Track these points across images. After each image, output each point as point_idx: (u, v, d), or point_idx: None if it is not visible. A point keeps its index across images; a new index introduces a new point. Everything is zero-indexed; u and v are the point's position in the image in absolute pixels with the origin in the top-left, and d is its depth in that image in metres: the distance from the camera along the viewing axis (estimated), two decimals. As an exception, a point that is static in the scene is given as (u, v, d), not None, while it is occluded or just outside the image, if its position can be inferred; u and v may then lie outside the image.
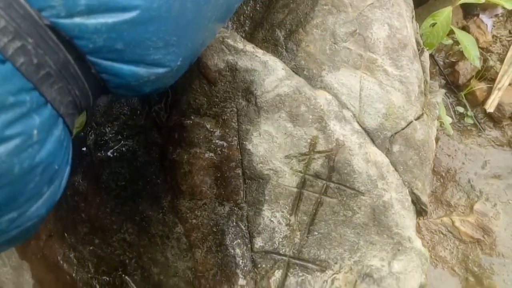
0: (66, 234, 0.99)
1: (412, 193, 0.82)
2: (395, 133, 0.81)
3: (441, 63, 1.50)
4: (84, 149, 0.93)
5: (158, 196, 0.88)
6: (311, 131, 0.77)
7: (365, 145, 0.78)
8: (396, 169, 0.81)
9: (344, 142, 0.77)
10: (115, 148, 0.91)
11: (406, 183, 0.81)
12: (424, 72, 0.99)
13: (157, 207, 0.88)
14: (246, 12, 0.92)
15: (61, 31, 0.40)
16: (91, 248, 0.97)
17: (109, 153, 0.91)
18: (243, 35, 0.92)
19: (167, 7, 0.44)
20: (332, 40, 0.81)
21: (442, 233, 1.28)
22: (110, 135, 0.92)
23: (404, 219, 0.80)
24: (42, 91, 0.41)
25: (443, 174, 1.36)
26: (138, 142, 0.90)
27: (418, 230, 1.29)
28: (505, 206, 1.30)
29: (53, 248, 1.00)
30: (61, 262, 1.00)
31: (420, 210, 0.85)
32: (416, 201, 0.83)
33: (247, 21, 0.92)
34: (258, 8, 0.92)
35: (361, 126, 0.80)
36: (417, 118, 0.83)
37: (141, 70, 0.47)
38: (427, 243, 1.28)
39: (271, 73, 0.77)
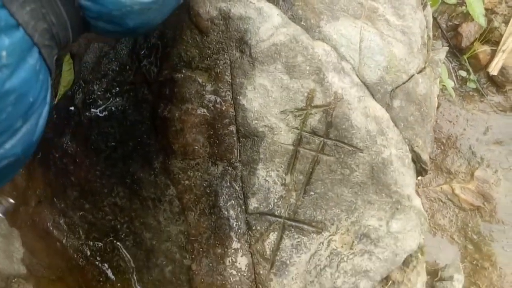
0: (55, 199, 0.95)
1: (412, 150, 0.78)
2: (396, 87, 0.77)
3: (444, 26, 1.46)
4: (72, 108, 0.89)
5: (149, 157, 0.84)
6: (309, 83, 0.73)
7: (365, 99, 0.74)
8: (396, 125, 0.77)
9: (342, 95, 0.73)
10: (104, 106, 0.87)
11: (406, 140, 0.78)
12: (427, 27, 0.95)
13: (148, 169, 0.84)
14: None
15: None
16: (81, 213, 0.93)
17: (98, 112, 0.87)
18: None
19: None
20: (331, -11, 0.77)
21: (442, 201, 1.26)
22: (99, 93, 0.87)
23: (404, 176, 0.76)
24: (12, 10, 0.36)
25: (444, 141, 1.33)
26: (128, 99, 0.85)
27: (418, 196, 1.26)
28: (506, 172, 1.27)
29: (42, 215, 0.96)
30: (51, 229, 0.96)
31: (420, 170, 0.81)
32: (416, 160, 0.80)
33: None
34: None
35: (360, 79, 0.76)
36: (420, 72, 0.79)
37: (123, -4, 0.43)
38: (426, 211, 1.25)
39: (266, 20, 0.72)
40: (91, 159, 0.89)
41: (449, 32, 1.45)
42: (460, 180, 1.28)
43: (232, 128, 0.76)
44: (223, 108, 0.76)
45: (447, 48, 0.98)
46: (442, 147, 1.33)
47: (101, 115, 0.87)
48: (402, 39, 0.77)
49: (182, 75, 0.77)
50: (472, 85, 1.36)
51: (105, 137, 0.87)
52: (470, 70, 1.38)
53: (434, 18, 1.44)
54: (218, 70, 0.75)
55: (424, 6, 0.97)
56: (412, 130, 0.78)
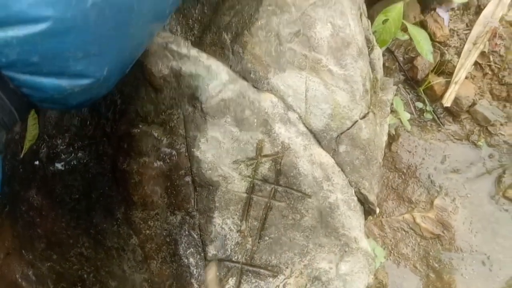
0: (23, 251, 0.97)
1: (359, 192, 0.83)
2: (341, 133, 0.82)
3: (401, 58, 1.52)
4: (37, 162, 0.92)
5: (111, 208, 0.87)
6: (257, 135, 0.77)
7: (310, 147, 0.79)
8: (343, 170, 0.82)
9: (289, 145, 0.78)
10: (67, 160, 0.90)
11: (353, 183, 0.82)
12: (374, 69, 1.01)
13: (111, 219, 0.87)
14: (195, 15, 0.92)
15: (-32, 47, 0.39)
16: (49, 264, 0.95)
17: (61, 166, 0.90)
18: (192, 39, 0.92)
19: (83, 16, 0.44)
20: (277, 42, 0.82)
21: (404, 230, 1.30)
22: (62, 147, 0.91)
23: (350, 219, 0.80)
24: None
25: (404, 171, 1.38)
26: (89, 153, 0.89)
27: (381, 228, 1.30)
28: (463, 200, 1.32)
29: (11, 267, 0.98)
30: (20, 280, 0.98)
31: (368, 210, 0.85)
32: (364, 201, 0.84)
33: (195, 25, 0.92)
34: (206, 11, 0.92)
35: (307, 128, 0.81)
36: (363, 117, 0.84)
37: (63, 82, 0.47)
38: (390, 240, 1.29)
39: (214, 77, 0.77)
40: (57, 211, 0.92)
41: (406, 65, 1.51)
42: (421, 209, 1.33)
43: (188, 178, 0.80)
44: (179, 160, 0.79)
45: (396, 87, 1.04)
46: (403, 177, 1.38)
47: (64, 168, 0.90)
48: (345, 88, 0.82)
49: (139, 130, 0.81)
50: (428, 116, 1.43)
51: (69, 189, 0.90)
52: (426, 101, 1.44)
53: (391, 52, 1.51)
54: (173, 124, 0.79)
55: (371, 50, 1.03)
56: (358, 173, 0.83)
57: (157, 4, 0.55)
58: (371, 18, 1.39)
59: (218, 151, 0.78)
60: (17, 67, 0.43)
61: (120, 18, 0.48)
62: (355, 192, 0.83)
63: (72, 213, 0.91)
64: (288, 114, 0.79)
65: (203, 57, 0.78)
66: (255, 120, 0.77)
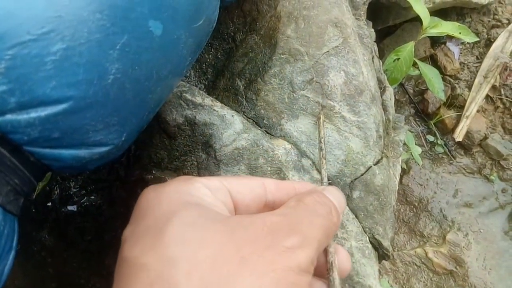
0: (35, 289, 0.97)
1: (373, 238, 0.83)
2: (355, 179, 0.82)
3: (411, 91, 1.53)
4: (49, 204, 0.93)
5: (124, 250, 0.87)
6: (271, 183, 0.77)
7: (325, 195, 0.79)
8: (356, 216, 0.81)
9: (304, 192, 0.78)
10: (80, 202, 0.91)
11: (367, 229, 0.82)
12: (386, 111, 1.01)
13: (123, 261, 0.87)
14: (208, 60, 0.93)
15: (-7, 129, 0.40)
16: (60, 302, 0.96)
17: (74, 208, 0.91)
18: (206, 83, 0.93)
19: (104, 92, 0.44)
20: (290, 89, 0.83)
21: (416, 265, 1.29)
22: (75, 190, 0.91)
23: (365, 267, 0.80)
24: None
25: (416, 204, 1.38)
26: (102, 196, 0.89)
27: (393, 262, 1.29)
28: (476, 235, 1.31)
29: (22, 304, 0.98)
30: (31, 319, 0.98)
31: (382, 254, 0.85)
32: (378, 246, 0.84)
33: (209, 69, 0.93)
34: (219, 56, 0.93)
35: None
36: (376, 163, 0.84)
37: (82, 152, 0.47)
38: (402, 275, 1.28)
39: (228, 127, 0.77)
40: (69, 252, 0.92)
41: (416, 97, 1.52)
42: (433, 243, 1.32)
43: (201, 224, 0.80)
44: (192, 207, 0.80)
45: (407, 128, 1.04)
46: (415, 210, 1.37)
47: (77, 210, 0.90)
48: (358, 134, 0.83)
49: (152, 176, 0.81)
50: (440, 149, 1.42)
51: (82, 231, 0.90)
52: (438, 134, 1.44)
53: (402, 85, 1.52)
54: (186, 171, 0.80)
55: (383, 91, 1.03)
56: (372, 219, 0.83)
57: (176, 67, 0.56)
58: (381, 52, 1.40)
59: (232, 198, 0.78)
60: (39, 143, 0.43)
61: (139, 88, 0.49)
62: (369, 238, 0.83)
63: (84, 254, 0.91)
64: (302, 161, 0.80)
65: (218, 106, 0.78)
66: (269, 168, 0.77)
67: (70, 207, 0.90)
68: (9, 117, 0.40)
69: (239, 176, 0.45)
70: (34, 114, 0.41)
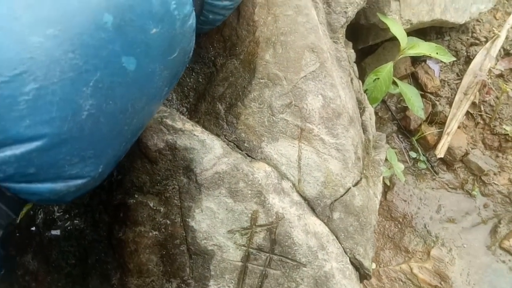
0: (19, 314, 0.97)
1: (354, 258, 0.84)
2: (335, 201, 0.83)
3: (393, 108, 1.55)
4: (33, 228, 0.93)
5: (107, 274, 0.88)
6: (251, 205, 0.79)
7: (304, 216, 0.80)
8: (337, 237, 0.83)
9: (283, 214, 0.79)
10: (63, 226, 0.91)
11: (348, 250, 0.83)
12: (365, 131, 1.03)
13: (107, 285, 0.88)
14: (190, 84, 0.95)
15: (-34, 167, 0.41)
16: (45, 327, 0.95)
17: (57, 232, 0.91)
18: (188, 106, 0.94)
19: (79, 127, 0.45)
20: (269, 112, 0.84)
21: (402, 281, 1.30)
22: (58, 214, 0.92)
23: (345, 288, 0.81)
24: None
25: (400, 220, 1.39)
26: (85, 220, 0.90)
27: (379, 278, 1.30)
28: (460, 250, 1.33)
29: (6, 329, 0.98)
30: None
31: (364, 274, 0.86)
32: (359, 266, 0.85)
33: (191, 93, 0.95)
34: (200, 80, 0.94)
35: (301, 195, 0.82)
36: (355, 184, 0.86)
37: (59, 186, 0.48)
38: (388, 292, 1.29)
39: (209, 151, 0.79)
40: (53, 276, 0.93)
41: (398, 114, 1.54)
42: (418, 259, 1.33)
43: (183, 247, 0.81)
44: (174, 230, 0.81)
45: (388, 146, 1.06)
46: (399, 226, 1.39)
47: (60, 234, 0.91)
48: (337, 156, 0.84)
49: (135, 200, 0.82)
50: (422, 165, 1.44)
51: (65, 255, 0.91)
52: (420, 151, 1.46)
53: (384, 102, 1.54)
54: (168, 195, 0.81)
55: (363, 112, 1.05)
56: (353, 240, 0.84)
57: (152, 98, 0.57)
58: (363, 71, 1.43)
59: (213, 221, 0.79)
60: (14, 179, 0.44)
61: (115, 121, 0.50)
62: (350, 259, 0.84)
63: (68, 278, 0.92)
64: (282, 183, 0.81)
65: (198, 131, 0.80)
66: (249, 192, 0.79)
67: (53, 231, 0.91)
68: (-16, 155, 0.41)
69: None
70: (9, 152, 0.42)
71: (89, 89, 0.45)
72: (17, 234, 0.95)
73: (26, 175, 0.45)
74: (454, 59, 1.27)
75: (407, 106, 1.50)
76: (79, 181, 0.50)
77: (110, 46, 0.46)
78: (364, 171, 0.92)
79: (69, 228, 0.91)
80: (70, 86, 0.43)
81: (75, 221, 0.91)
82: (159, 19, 0.51)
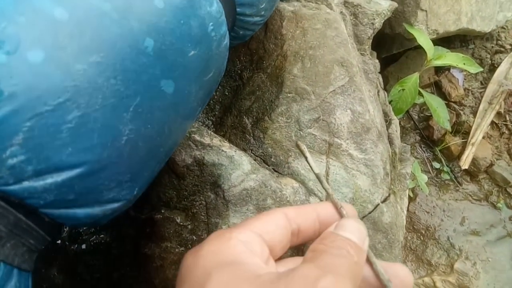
0: (43, 325, 0.97)
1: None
2: (363, 217, 0.82)
3: (416, 117, 1.53)
4: (59, 242, 0.93)
5: (133, 288, 0.88)
6: (279, 223, 0.78)
7: (333, 234, 0.79)
8: (366, 255, 0.81)
9: (312, 232, 0.78)
10: (89, 240, 0.91)
11: (376, 268, 0.82)
12: (392, 144, 1.02)
13: (132, 299, 0.88)
14: (216, 97, 0.95)
15: (10, 197, 0.41)
16: None
17: (83, 246, 0.91)
18: (214, 119, 0.94)
19: (118, 153, 0.45)
20: (297, 127, 0.83)
21: (425, 294, 1.28)
22: (84, 228, 0.92)
23: (375, 308, 0.80)
24: (-6, 252, 0.41)
25: (423, 232, 1.37)
26: (111, 235, 0.90)
27: (402, 292, 1.28)
28: (484, 264, 1.30)
29: None
30: None
31: (392, 293, 0.85)
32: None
33: (217, 106, 0.94)
34: (227, 93, 0.94)
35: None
36: (384, 201, 0.85)
37: (96, 210, 0.48)
38: (411, 305, 1.27)
39: (237, 167, 0.78)
40: (78, 289, 0.93)
41: (421, 123, 1.52)
42: (441, 272, 1.31)
43: (210, 264, 0.80)
44: (201, 246, 0.80)
45: (413, 159, 1.04)
46: (422, 238, 1.37)
47: (86, 248, 0.91)
48: (366, 172, 0.83)
49: (161, 216, 0.81)
50: (446, 176, 1.42)
51: (91, 269, 0.91)
52: (443, 161, 1.44)
53: (407, 111, 1.52)
54: (195, 211, 0.80)
55: (389, 125, 1.04)
56: (381, 257, 0.83)
57: (186, 118, 0.57)
58: (386, 79, 1.41)
59: (240, 238, 0.78)
60: (54, 206, 0.44)
61: (151, 144, 0.50)
62: (377, 277, 0.83)
63: (93, 291, 0.92)
64: (310, 199, 0.80)
65: (226, 146, 0.79)
66: (277, 209, 0.78)
67: (79, 245, 0.91)
68: (26, 184, 0.41)
69: (260, 215, 0.47)
70: (50, 180, 0.41)
71: (129, 114, 0.45)
72: (43, 247, 0.96)
73: (65, 202, 0.44)
74: (481, 69, 1.25)
75: (430, 116, 1.48)
76: (115, 205, 0.50)
77: (151, 70, 0.46)
78: (392, 186, 0.90)
79: (95, 242, 0.91)
80: (111, 112, 0.43)
81: (101, 235, 0.91)
82: (197, 41, 0.51)
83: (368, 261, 0.47)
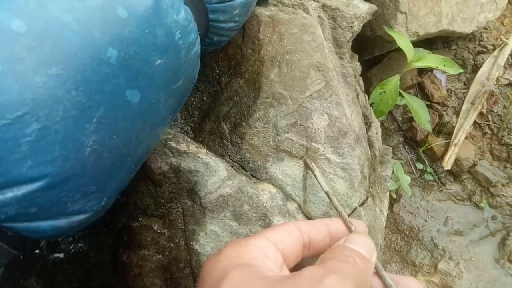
0: (23, 336, 0.96)
1: (362, 281, 0.82)
2: (342, 222, 0.82)
3: (400, 118, 1.54)
4: (37, 251, 0.92)
5: (112, 296, 0.87)
6: (256, 228, 0.77)
7: (311, 239, 0.79)
8: (344, 259, 0.81)
9: (290, 238, 0.78)
10: (67, 249, 0.90)
11: (355, 272, 0.82)
12: (372, 146, 1.02)
13: (111, 307, 0.87)
14: (194, 102, 0.94)
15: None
16: None
17: (61, 255, 0.90)
18: (192, 125, 0.93)
19: (81, 164, 0.44)
20: (274, 132, 0.83)
21: (409, 296, 1.28)
22: (62, 237, 0.91)
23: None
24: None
25: (407, 233, 1.37)
26: (89, 243, 0.89)
27: (386, 293, 1.28)
28: (467, 264, 1.31)
29: None
30: None
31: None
32: None
33: (195, 112, 0.94)
34: (205, 99, 0.94)
35: (306, 216, 0.81)
36: (361, 204, 0.85)
37: (61, 222, 0.47)
38: (395, 307, 1.27)
39: (213, 174, 0.78)
40: (57, 298, 0.92)
41: (405, 124, 1.52)
42: (425, 272, 1.32)
43: (188, 271, 0.79)
44: (178, 253, 0.79)
45: (395, 161, 1.05)
46: (406, 239, 1.37)
47: (64, 257, 0.90)
48: (343, 176, 0.83)
49: (138, 223, 0.81)
50: (429, 177, 1.43)
51: (69, 278, 0.90)
52: (427, 162, 1.44)
53: (390, 112, 1.53)
54: (172, 218, 0.80)
55: (369, 127, 1.04)
56: (360, 261, 0.83)
57: (156, 127, 0.57)
58: (369, 81, 1.41)
59: (217, 244, 0.78)
60: (16, 219, 0.43)
61: (118, 154, 0.49)
62: (356, 280, 0.83)
63: (72, 300, 0.91)
64: (287, 205, 0.80)
65: (202, 153, 0.79)
66: (254, 215, 0.77)
67: (57, 254, 0.90)
68: (-16, 199, 0.40)
69: (275, 226, 0.52)
70: (10, 194, 0.41)
71: (92, 125, 0.44)
72: (21, 257, 0.95)
73: (28, 215, 0.44)
74: (462, 71, 1.25)
75: (413, 117, 1.48)
76: (82, 216, 0.49)
77: (114, 81, 0.45)
78: (371, 189, 0.90)
79: (73, 251, 0.90)
80: (73, 124, 0.42)
81: (79, 244, 0.90)
82: (163, 50, 0.50)
83: (378, 274, 0.51)
